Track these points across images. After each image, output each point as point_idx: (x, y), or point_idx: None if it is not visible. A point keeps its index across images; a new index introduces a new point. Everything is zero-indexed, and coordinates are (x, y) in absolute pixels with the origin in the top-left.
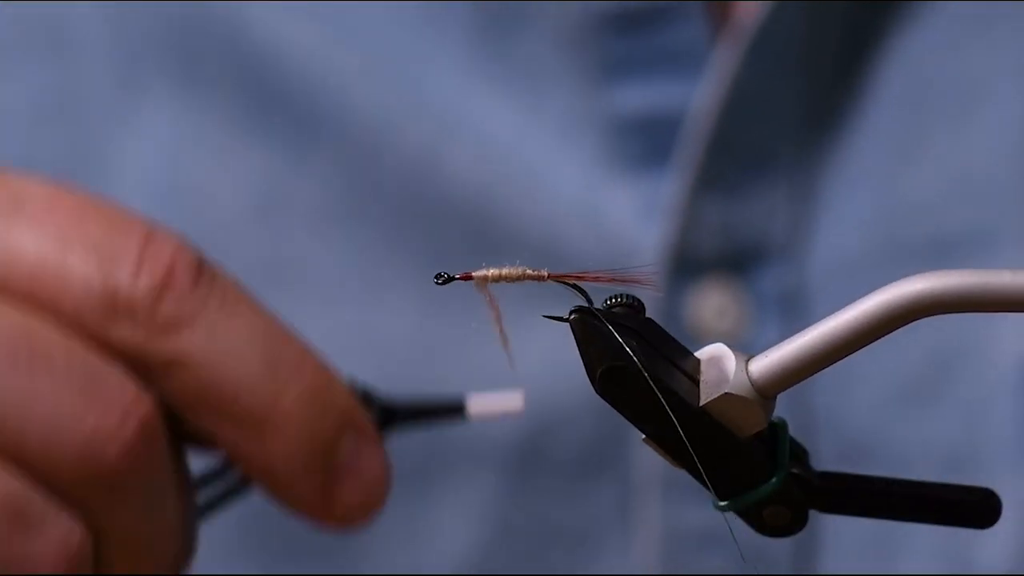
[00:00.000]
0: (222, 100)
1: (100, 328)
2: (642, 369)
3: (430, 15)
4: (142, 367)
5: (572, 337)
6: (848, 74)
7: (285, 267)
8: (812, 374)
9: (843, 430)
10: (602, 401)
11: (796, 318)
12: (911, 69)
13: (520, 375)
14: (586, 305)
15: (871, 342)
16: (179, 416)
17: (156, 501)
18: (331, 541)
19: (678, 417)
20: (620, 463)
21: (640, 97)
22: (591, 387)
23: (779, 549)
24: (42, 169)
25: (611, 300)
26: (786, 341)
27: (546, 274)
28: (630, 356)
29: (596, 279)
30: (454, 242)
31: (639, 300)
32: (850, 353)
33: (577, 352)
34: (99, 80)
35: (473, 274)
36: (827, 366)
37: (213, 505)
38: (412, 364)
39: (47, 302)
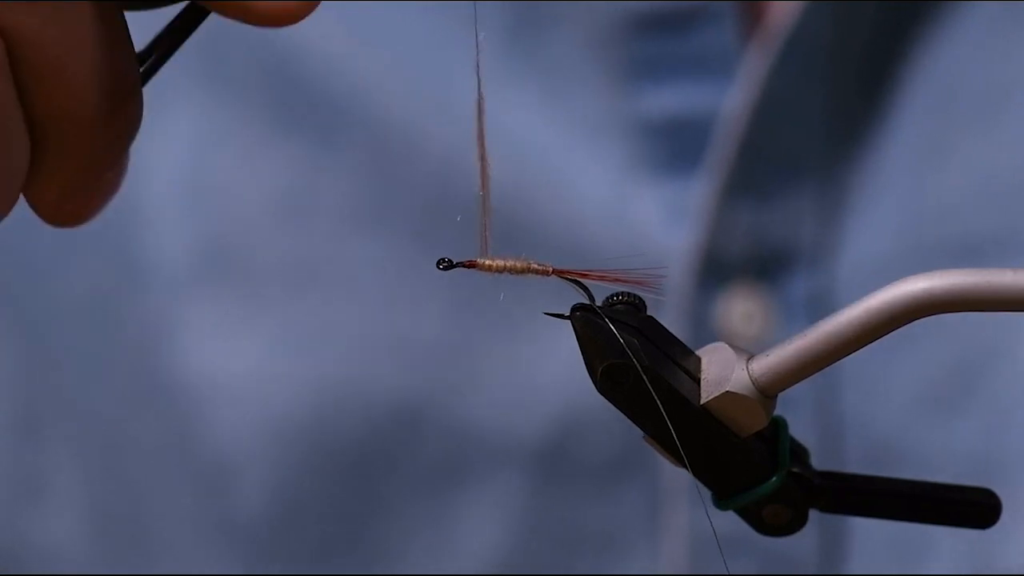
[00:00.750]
0: (248, 99)
1: None
2: (639, 367)
3: (458, 16)
4: None
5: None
6: (876, 79)
7: (311, 266)
8: (813, 373)
9: (870, 434)
10: None
11: None
12: (938, 73)
13: (546, 378)
14: (588, 303)
15: (873, 341)
16: None
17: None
18: (357, 543)
19: (679, 415)
20: (648, 466)
21: (669, 100)
22: None
23: (805, 550)
24: None
25: (613, 298)
26: (787, 340)
27: (551, 269)
28: (630, 354)
29: (601, 277)
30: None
31: (640, 298)
32: (851, 352)
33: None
34: None
35: (477, 262)
36: (828, 365)
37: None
38: (439, 365)
39: None
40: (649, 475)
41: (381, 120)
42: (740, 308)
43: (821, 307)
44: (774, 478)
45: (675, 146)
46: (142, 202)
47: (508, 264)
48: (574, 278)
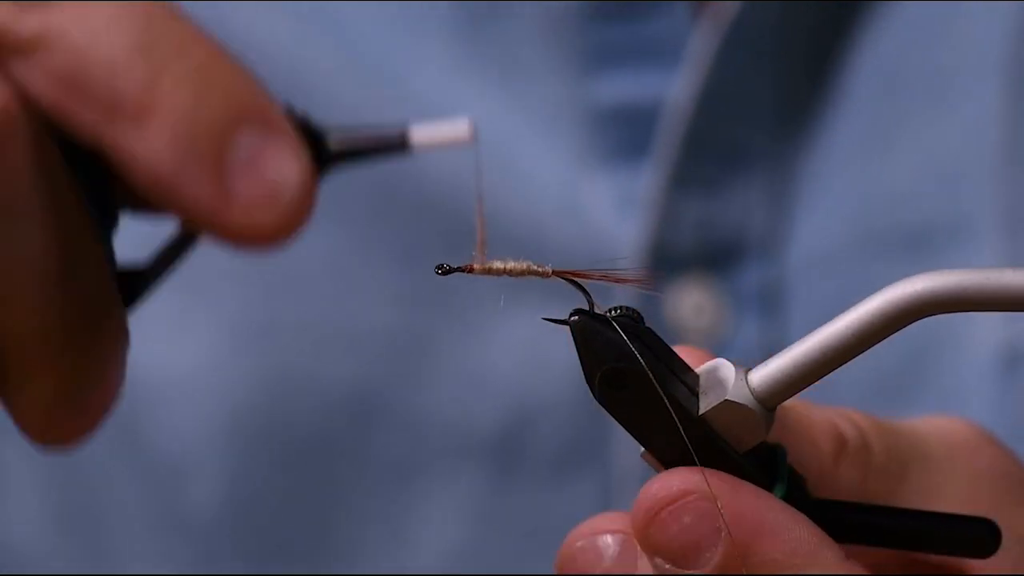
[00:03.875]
0: None
1: None
2: (646, 368)
3: (411, 9)
4: (6, 53)
5: (550, 332)
6: (821, 68)
7: (260, 264)
8: (814, 382)
9: None
10: (581, 395)
11: (775, 314)
12: (882, 61)
13: (499, 369)
14: (586, 308)
15: (873, 345)
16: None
17: (9, 219)
18: (312, 538)
19: (679, 425)
20: (600, 457)
21: (621, 89)
22: (570, 381)
23: None
24: None
25: (612, 310)
26: (786, 350)
27: (550, 270)
28: (634, 357)
29: (602, 278)
30: (431, 236)
31: (638, 311)
32: (852, 358)
33: (561, 347)
34: None
35: (475, 267)
36: (828, 373)
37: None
38: (391, 357)
39: None
40: (601, 465)
41: (331, 115)
42: (691, 300)
43: (772, 298)
44: None
45: (629, 135)
46: None
47: (507, 267)
48: (575, 280)
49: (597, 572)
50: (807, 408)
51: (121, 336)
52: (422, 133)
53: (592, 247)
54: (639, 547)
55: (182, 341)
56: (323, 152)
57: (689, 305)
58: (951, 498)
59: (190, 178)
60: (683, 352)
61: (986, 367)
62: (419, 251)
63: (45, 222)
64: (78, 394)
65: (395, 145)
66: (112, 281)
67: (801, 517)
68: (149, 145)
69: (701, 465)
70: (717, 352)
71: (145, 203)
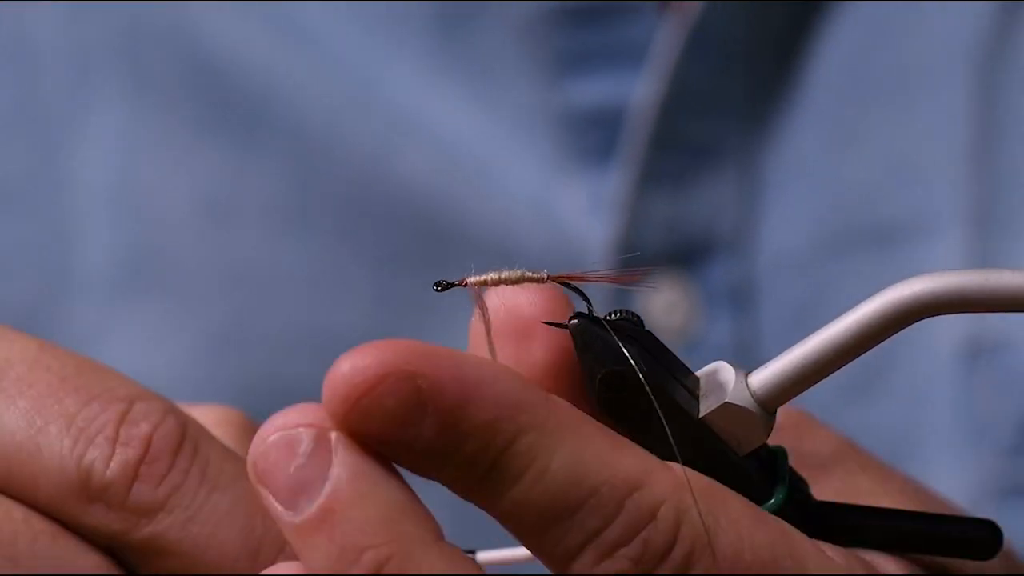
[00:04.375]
0: (173, 103)
1: (75, 513)
2: (640, 373)
3: (384, 14)
4: (120, 549)
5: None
6: (788, 64)
7: (235, 268)
8: (813, 384)
9: None
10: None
11: (746, 311)
12: (847, 57)
13: None
14: (585, 311)
15: (872, 347)
16: None
17: None
18: None
19: (677, 430)
20: None
21: (593, 91)
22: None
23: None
24: (1, 177)
25: (612, 314)
26: (786, 352)
27: (545, 276)
28: (630, 361)
29: (599, 279)
30: (406, 240)
31: (638, 315)
32: (851, 360)
33: None
34: (53, 86)
35: (470, 280)
36: (828, 375)
37: None
38: None
39: (21, 485)
40: None
41: (305, 121)
42: (663, 298)
43: (743, 294)
44: (772, 500)
45: (600, 137)
46: (69, 214)
47: (502, 277)
48: (573, 284)
49: (291, 469)
50: None
51: None
52: None
53: (564, 249)
54: (334, 440)
55: (159, 349)
56: None
57: (661, 303)
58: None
59: None
60: None
61: (948, 360)
62: (393, 256)
63: None
64: None
65: None
66: None
67: (499, 368)
68: None
69: (702, 468)
70: (690, 349)
71: None
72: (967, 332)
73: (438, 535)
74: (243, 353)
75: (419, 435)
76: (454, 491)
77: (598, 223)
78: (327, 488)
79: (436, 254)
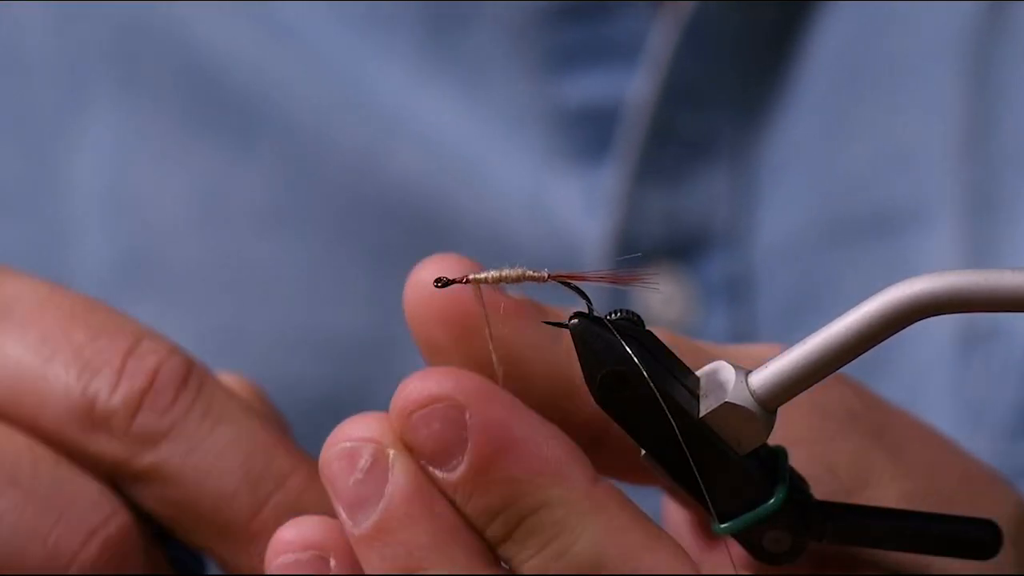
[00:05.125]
0: (164, 104)
1: (78, 440)
2: (643, 371)
3: (374, 13)
4: (121, 478)
5: None
6: (781, 56)
7: (229, 268)
8: (813, 384)
9: None
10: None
11: (743, 303)
12: (839, 48)
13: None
14: (585, 311)
15: (873, 346)
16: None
17: None
18: None
19: (678, 427)
20: None
21: (585, 88)
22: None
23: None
24: None
25: (612, 313)
26: (786, 351)
27: (546, 275)
28: (632, 360)
29: (599, 279)
30: (399, 239)
31: (639, 315)
32: (851, 359)
33: None
34: (46, 90)
35: (470, 277)
36: (828, 374)
37: None
38: (360, 360)
39: (27, 412)
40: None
41: (297, 120)
42: (660, 292)
43: (740, 287)
44: (772, 500)
45: (592, 134)
46: (63, 217)
47: (503, 274)
48: (573, 283)
49: (351, 483)
50: None
51: None
52: None
53: (559, 246)
54: (391, 458)
55: None
56: None
57: (658, 296)
58: (793, 430)
59: None
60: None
61: (945, 347)
62: (389, 254)
63: None
64: None
65: None
66: None
67: (554, 433)
68: (247, 560)
69: (702, 468)
70: None
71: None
72: (963, 319)
73: (490, 560)
74: (240, 352)
75: (455, 466)
76: (479, 533)
77: (592, 219)
78: (381, 506)
79: (430, 252)
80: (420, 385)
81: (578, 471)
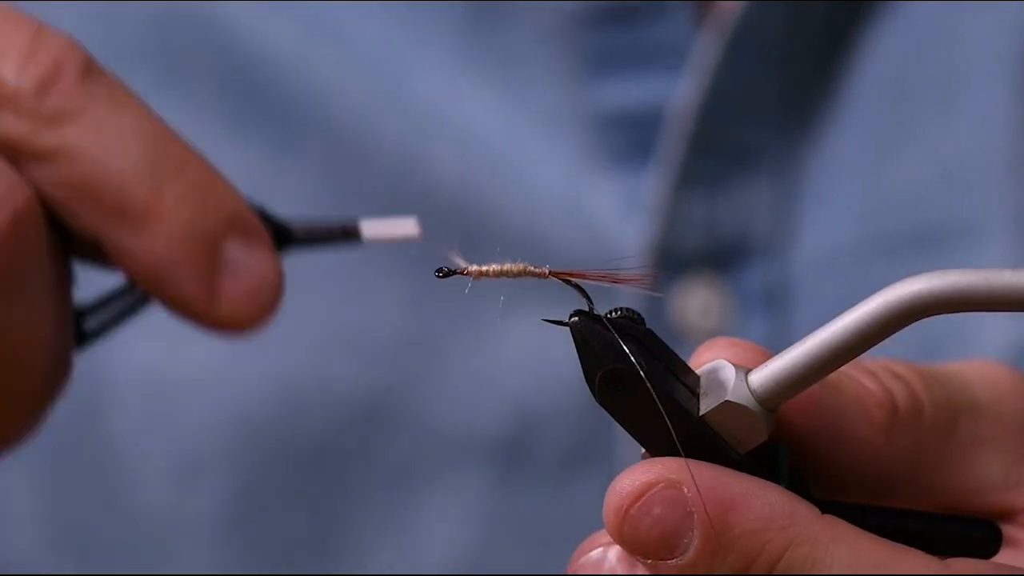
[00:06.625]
0: (206, 101)
1: None
2: (640, 371)
3: (414, 12)
4: (25, 158)
5: (556, 334)
6: (828, 69)
7: None
8: (814, 383)
9: None
10: (588, 397)
11: (781, 314)
12: (890, 62)
13: (505, 371)
14: (585, 308)
15: (873, 346)
16: (63, 223)
17: (25, 299)
18: (321, 541)
19: (677, 427)
20: (606, 458)
21: (624, 92)
22: (575, 383)
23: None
24: None
25: (612, 312)
26: (786, 350)
27: (547, 271)
28: (630, 359)
29: (600, 278)
30: (437, 237)
31: (638, 312)
32: (852, 358)
33: (566, 349)
34: None
35: (470, 269)
36: (829, 373)
37: (109, 325)
38: (398, 360)
39: None
40: (608, 467)
41: (337, 118)
42: (697, 301)
43: (778, 298)
44: None
45: (630, 138)
46: None
47: (504, 268)
48: (573, 281)
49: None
50: (856, 372)
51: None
52: (373, 228)
53: (597, 250)
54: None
55: (190, 344)
56: (286, 240)
57: (695, 305)
58: (999, 445)
59: (184, 278)
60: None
61: (1002, 356)
62: (426, 256)
63: (51, 289)
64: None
65: (348, 236)
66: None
67: (764, 483)
68: (149, 247)
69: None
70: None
71: (95, 256)
72: (1015, 335)
73: None
74: (276, 349)
75: (687, 545)
76: None
77: (630, 224)
78: None
79: (470, 252)
80: (631, 478)
81: (803, 508)
